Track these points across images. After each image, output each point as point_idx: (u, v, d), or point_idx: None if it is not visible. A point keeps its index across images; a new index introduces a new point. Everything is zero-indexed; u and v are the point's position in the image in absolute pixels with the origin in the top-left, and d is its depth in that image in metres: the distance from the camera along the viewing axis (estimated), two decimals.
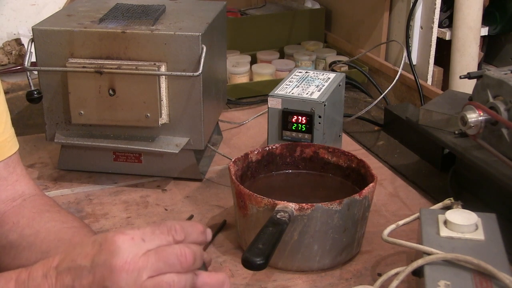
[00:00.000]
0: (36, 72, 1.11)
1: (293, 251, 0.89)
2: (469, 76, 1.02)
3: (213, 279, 0.65)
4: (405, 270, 0.79)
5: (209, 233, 0.67)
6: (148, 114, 1.07)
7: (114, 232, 0.62)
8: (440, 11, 1.49)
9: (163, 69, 1.06)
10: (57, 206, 0.88)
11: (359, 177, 1.00)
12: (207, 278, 0.65)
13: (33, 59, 1.08)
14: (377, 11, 1.68)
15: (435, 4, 1.47)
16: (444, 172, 1.18)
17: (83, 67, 1.06)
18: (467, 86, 1.25)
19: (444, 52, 1.54)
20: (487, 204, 1.00)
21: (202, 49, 1.05)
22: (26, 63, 1.07)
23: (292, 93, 1.11)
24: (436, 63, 1.55)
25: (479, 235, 0.82)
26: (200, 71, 1.04)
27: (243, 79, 1.60)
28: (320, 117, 1.08)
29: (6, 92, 1.53)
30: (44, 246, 0.80)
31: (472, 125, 0.97)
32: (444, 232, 0.83)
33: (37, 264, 0.64)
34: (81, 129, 1.13)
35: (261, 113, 1.44)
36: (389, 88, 1.36)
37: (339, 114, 1.20)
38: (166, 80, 1.07)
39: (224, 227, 1.02)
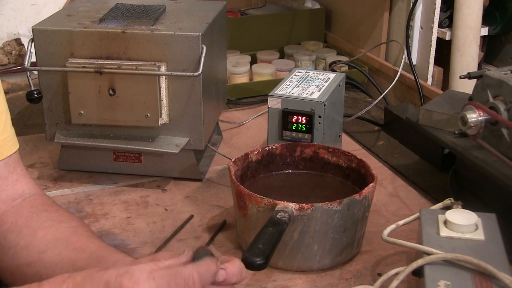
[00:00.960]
0: (36, 72, 1.11)
1: (293, 251, 0.89)
2: (469, 76, 1.02)
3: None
4: (405, 270, 0.79)
5: (221, 274, 0.64)
6: (148, 114, 1.07)
7: (129, 279, 0.58)
8: (440, 11, 1.49)
9: (163, 69, 1.06)
10: (55, 206, 0.88)
11: (359, 177, 1.00)
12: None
13: (33, 59, 1.08)
14: (377, 11, 1.68)
15: (435, 4, 1.47)
16: (444, 172, 1.18)
17: (83, 67, 1.06)
18: (467, 86, 1.25)
19: (444, 52, 1.54)
20: (487, 204, 1.00)
21: (202, 49, 1.05)
22: (26, 63, 1.07)
23: (292, 93, 1.11)
24: (436, 63, 1.55)
25: (479, 235, 0.82)
26: (200, 71, 1.04)
27: (243, 79, 1.60)
28: (320, 117, 1.08)
29: (6, 92, 1.53)
30: (41, 246, 0.80)
31: (472, 125, 0.97)
32: (444, 232, 0.83)
33: None
34: (81, 129, 1.13)
35: (261, 113, 1.44)
36: (389, 88, 1.36)
37: (339, 114, 1.20)
38: (166, 80, 1.07)
39: (224, 227, 1.02)
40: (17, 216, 0.84)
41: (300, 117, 1.09)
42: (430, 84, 1.54)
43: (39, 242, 0.80)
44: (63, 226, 0.83)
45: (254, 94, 1.55)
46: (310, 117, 1.09)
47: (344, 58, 1.69)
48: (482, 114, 0.97)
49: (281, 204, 0.86)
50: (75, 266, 0.77)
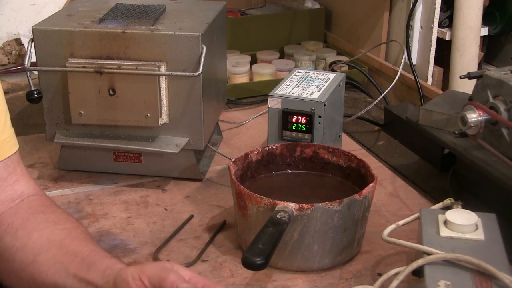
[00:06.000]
0: (36, 72, 1.11)
1: (293, 251, 0.89)
2: (469, 76, 1.02)
3: None
4: (405, 270, 0.79)
5: None
6: (148, 114, 1.07)
7: None
8: (440, 11, 1.49)
9: (163, 69, 1.06)
10: (53, 207, 0.88)
11: (359, 177, 1.00)
12: None
13: (33, 59, 1.08)
14: (377, 11, 1.68)
15: (435, 4, 1.47)
16: (444, 172, 1.18)
17: (83, 67, 1.06)
18: (467, 86, 1.25)
19: (444, 52, 1.54)
20: (487, 204, 1.00)
21: (202, 49, 1.05)
22: (26, 63, 1.07)
23: (292, 93, 1.11)
24: (436, 63, 1.55)
25: (479, 235, 0.82)
26: (200, 71, 1.04)
27: (243, 79, 1.60)
28: (320, 117, 1.08)
29: (6, 92, 1.53)
30: (36, 248, 0.80)
31: (472, 125, 0.97)
32: (444, 232, 0.83)
33: None
34: (81, 129, 1.13)
35: (261, 113, 1.44)
36: (389, 88, 1.36)
37: (339, 114, 1.20)
38: (166, 80, 1.07)
39: (224, 227, 1.02)
40: (13, 217, 0.83)
41: (300, 117, 1.09)
42: (430, 84, 1.54)
43: (33, 244, 0.80)
44: (57, 228, 0.83)
45: (254, 94, 1.55)
46: (310, 117, 1.09)
47: (344, 58, 1.69)
48: (482, 114, 0.97)
49: (281, 204, 0.86)
50: (68, 270, 0.77)
